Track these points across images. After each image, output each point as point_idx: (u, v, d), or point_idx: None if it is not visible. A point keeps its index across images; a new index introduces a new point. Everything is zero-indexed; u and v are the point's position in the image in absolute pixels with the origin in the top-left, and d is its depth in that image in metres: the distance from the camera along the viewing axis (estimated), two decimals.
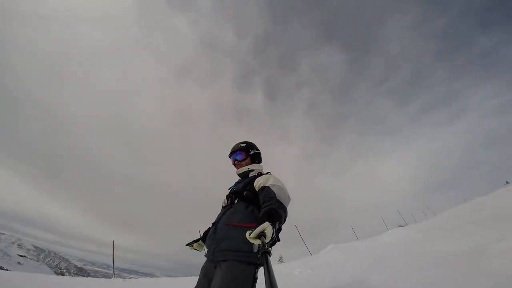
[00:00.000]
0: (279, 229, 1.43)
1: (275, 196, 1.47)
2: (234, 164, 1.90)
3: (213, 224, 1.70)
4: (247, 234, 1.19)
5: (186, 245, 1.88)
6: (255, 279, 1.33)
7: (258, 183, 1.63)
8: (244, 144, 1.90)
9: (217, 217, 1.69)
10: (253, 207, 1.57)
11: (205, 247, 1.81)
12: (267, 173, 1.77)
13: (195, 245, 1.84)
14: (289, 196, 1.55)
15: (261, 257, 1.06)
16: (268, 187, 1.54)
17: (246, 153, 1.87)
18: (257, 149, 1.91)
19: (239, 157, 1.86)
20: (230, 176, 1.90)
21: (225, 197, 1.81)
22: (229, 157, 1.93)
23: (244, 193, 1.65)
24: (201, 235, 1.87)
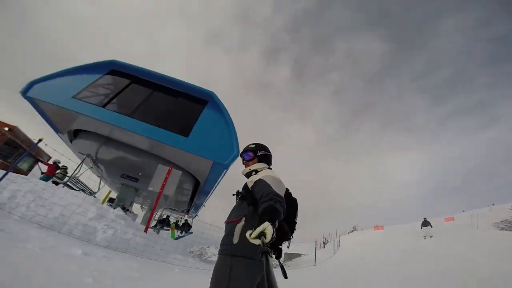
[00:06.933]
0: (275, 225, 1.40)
1: (271, 187, 1.42)
2: (244, 165, 1.95)
3: None
4: (247, 234, 1.15)
5: None
6: (232, 268, 1.33)
7: (251, 178, 1.64)
8: (254, 145, 1.98)
9: None
10: (245, 203, 1.58)
11: None
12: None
13: None
14: (284, 186, 1.56)
15: (262, 257, 1.01)
16: (261, 179, 1.52)
17: (254, 153, 1.92)
18: (267, 151, 1.96)
19: (246, 157, 1.92)
20: None
21: None
22: (240, 156, 1.99)
23: (240, 191, 1.68)
24: None
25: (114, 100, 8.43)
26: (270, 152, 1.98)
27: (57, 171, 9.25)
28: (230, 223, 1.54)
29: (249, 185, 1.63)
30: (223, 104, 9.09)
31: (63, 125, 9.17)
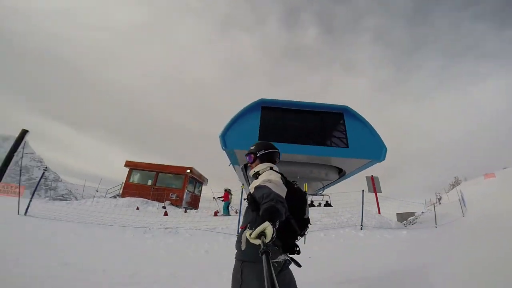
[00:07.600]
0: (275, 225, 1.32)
1: (271, 189, 1.40)
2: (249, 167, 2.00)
3: None
4: (247, 234, 1.20)
5: None
6: (242, 272, 1.45)
7: (252, 184, 1.60)
8: (253, 147, 1.97)
9: None
10: (250, 209, 1.61)
11: None
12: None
13: None
14: (284, 187, 1.52)
15: (261, 257, 1.00)
16: (259, 185, 1.47)
17: (254, 155, 1.91)
18: (267, 149, 1.91)
19: (249, 160, 1.94)
20: None
21: None
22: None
23: (247, 197, 1.68)
24: None
25: (283, 132, 11.49)
26: (271, 149, 1.93)
27: (230, 196, 12.75)
28: (241, 229, 1.61)
29: (251, 191, 1.56)
30: (357, 113, 11.47)
31: (244, 160, 12.69)
